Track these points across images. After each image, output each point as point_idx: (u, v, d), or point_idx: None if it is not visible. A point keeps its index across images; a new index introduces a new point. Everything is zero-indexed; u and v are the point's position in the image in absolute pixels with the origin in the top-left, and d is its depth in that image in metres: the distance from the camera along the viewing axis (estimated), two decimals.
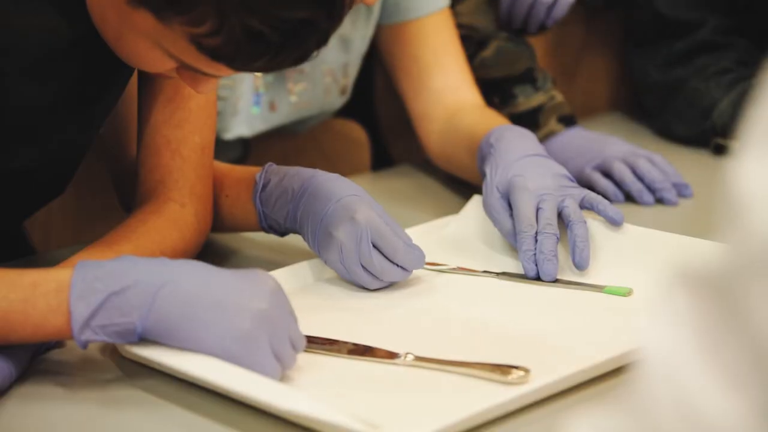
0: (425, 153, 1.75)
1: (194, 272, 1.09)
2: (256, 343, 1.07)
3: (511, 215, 1.40)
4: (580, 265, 1.36)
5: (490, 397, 1.06)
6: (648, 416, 0.60)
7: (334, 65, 1.72)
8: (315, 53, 1.11)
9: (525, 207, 1.38)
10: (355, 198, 1.32)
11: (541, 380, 1.09)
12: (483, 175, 1.49)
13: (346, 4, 1.10)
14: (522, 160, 1.43)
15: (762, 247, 0.57)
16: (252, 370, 1.07)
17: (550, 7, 1.83)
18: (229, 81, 1.64)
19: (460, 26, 1.82)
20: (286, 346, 1.09)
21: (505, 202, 1.41)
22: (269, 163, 1.39)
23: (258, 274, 1.11)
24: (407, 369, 1.15)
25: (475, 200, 1.54)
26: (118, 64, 1.20)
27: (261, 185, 1.37)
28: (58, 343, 1.19)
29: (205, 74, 1.14)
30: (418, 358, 1.15)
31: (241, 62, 1.09)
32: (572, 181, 1.44)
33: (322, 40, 1.10)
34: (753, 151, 0.58)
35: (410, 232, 1.47)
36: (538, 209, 1.38)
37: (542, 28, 1.87)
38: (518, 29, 1.87)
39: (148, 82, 1.34)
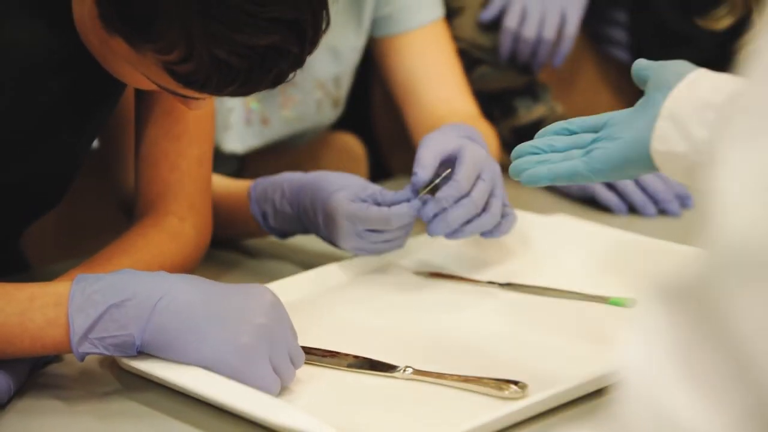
0: None
1: (193, 286, 1.10)
2: (255, 356, 1.08)
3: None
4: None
5: (487, 411, 1.06)
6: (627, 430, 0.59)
7: (325, 78, 1.71)
8: (291, 75, 1.12)
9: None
10: (333, 201, 1.36)
11: (538, 396, 1.08)
12: None
13: (319, 27, 1.11)
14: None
15: (735, 249, 0.56)
16: (251, 384, 1.08)
17: (554, 45, 1.81)
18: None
19: (458, 39, 1.81)
20: (286, 360, 1.10)
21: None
22: (252, 190, 1.45)
23: (258, 288, 1.12)
24: (406, 382, 1.15)
25: None
26: (111, 77, 1.20)
27: (262, 220, 1.44)
28: (57, 357, 1.19)
29: (186, 97, 1.15)
30: (417, 372, 1.15)
31: (212, 88, 1.10)
32: None
33: (296, 63, 1.11)
34: (728, 149, 0.58)
35: (414, 242, 1.47)
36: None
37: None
38: (522, 67, 1.86)
39: (145, 96, 1.34)
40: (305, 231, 1.43)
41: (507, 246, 1.46)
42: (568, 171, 1.10)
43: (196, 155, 1.34)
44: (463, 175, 1.34)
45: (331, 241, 1.39)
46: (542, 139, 1.15)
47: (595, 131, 1.12)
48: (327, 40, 1.67)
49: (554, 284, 1.38)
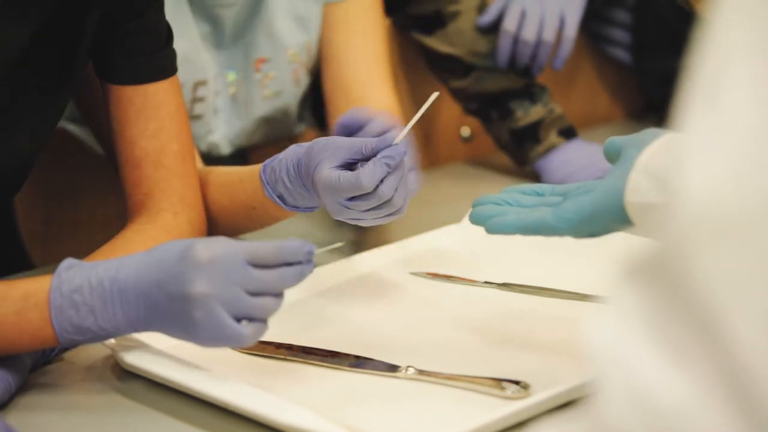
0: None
1: (146, 265, 1.08)
2: (213, 324, 1.05)
3: None
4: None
5: (489, 411, 1.07)
6: (601, 409, 0.59)
7: (296, 47, 1.71)
8: None
9: None
10: (315, 172, 1.24)
11: (540, 395, 1.09)
12: None
13: None
14: None
15: (697, 210, 0.57)
16: (230, 345, 1.06)
17: (553, 47, 1.81)
18: (200, 79, 1.63)
19: (454, 45, 1.81)
20: (247, 303, 1.05)
21: None
22: (262, 174, 1.34)
23: (190, 252, 1.06)
24: (408, 382, 1.15)
25: None
26: (67, 70, 1.21)
27: (282, 203, 1.33)
28: (58, 355, 1.19)
29: None
30: (419, 372, 1.15)
31: None
32: None
33: None
34: (685, 119, 0.59)
35: (410, 242, 1.47)
36: None
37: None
38: (521, 70, 1.85)
39: (116, 98, 1.34)
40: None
41: (503, 246, 1.47)
42: (536, 221, 1.10)
43: (178, 150, 1.34)
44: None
45: None
46: (508, 193, 1.15)
47: (564, 196, 1.12)
48: (292, 9, 1.68)
49: (551, 284, 1.38)
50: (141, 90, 1.33)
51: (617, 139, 1.11)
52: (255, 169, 1.35)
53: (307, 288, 1.36)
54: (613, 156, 1.10)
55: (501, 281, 1.40)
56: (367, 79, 1.69)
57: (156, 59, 1.34)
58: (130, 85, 1.33)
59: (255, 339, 1.07)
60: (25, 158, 1.29)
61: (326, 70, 1.72)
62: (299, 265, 1.08)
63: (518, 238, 1.46)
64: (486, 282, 1.40)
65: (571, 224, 1.08)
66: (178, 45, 1.54)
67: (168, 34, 1.36)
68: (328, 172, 1.23)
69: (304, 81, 1.74)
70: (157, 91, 1.34)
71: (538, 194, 1.14)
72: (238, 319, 1.05)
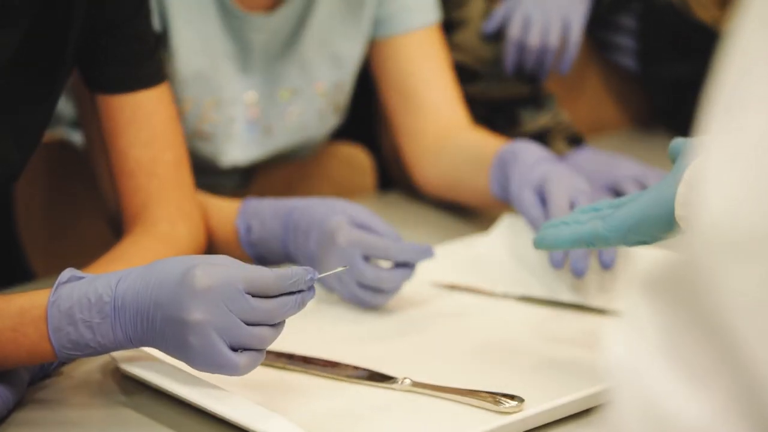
0: (410, 170, 1.72)
1: (145, 283, 1.07)
2: (207, 351, 1.04)
3: (543, 207, 1.40)
4: (605, 264, 1.34)
5: (483, 424, 1.06)
6: (615, 423, 0.59)
7: (327, 84, 1.69)
8: None
9: (560, 198, 1.38)
10: (333, 221, 1.33)
11: (534, 409, 1.08)
12: (497, 183, 1.52)
13: None
14: (549, 163, 1.45)
15: (718, 230, 0.56)
16: (224, 373, 1.06)
17: (559, 52, 1.79)
18: (213, 98, 1.63)
19: (461, 53, 1.80)
20: (243, 332, 1.05)
21: (537, 197, 1.41)
22: (243, 204, 1.41)
23: (189, 276, 1.05)
24: (404, 394, 1.14)
25: (506, 220, 1.52)
26: (52, 77, 1.22)
27: (244, 233, 1.40)
28: (56, 370, 1.19)
29: None
30: (415, 384, 1.14)
31: None
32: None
33: None
34: (708, 134, 0.58)
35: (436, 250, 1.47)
36: (571, 204, 1.37)
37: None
38: (528, 77, 1.84)
39: (105, 108, 1.34)
40: (284, 255, 1.39)
41: (526, 259, 1.45)
42: (588, 232, 1.13)
43: (171, 160, 1.34)
44: (557, 203, 1.37)
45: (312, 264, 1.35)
46: (570, 215, 1.19)
47: (617, 208, 1.13)
48: (327, 47, 1.67)
49: (572, 298, 1.36)
50: (130, 99, 1.33)
51: (681, 141, 1.11)
52: (234, 202, 1.41)
53: (319, 295, 1.35)
54: (674, 158, 1.11)
55: (522, 293, 1.38)
56: (451, 100, 1.70)
57: (143, 67, 1.33)
58: (119, 94, 1.33)
59: (249, 369, 1.06)
60: (10, 167, 1.29)
61: (404, 99, 1.70)
62: (300, 293, 1.08)
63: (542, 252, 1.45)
64: (504, 294, 1.39)
65: (619, 232, 1.10)
66: (196, 60, 1.53)
67: (155, 42, 1.36)
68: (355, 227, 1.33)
69: (331, 120, 1.73)
70: (147, 100, 1.33)
71: (596, 210, 1.17)
72: (234, 348, 1.05)
